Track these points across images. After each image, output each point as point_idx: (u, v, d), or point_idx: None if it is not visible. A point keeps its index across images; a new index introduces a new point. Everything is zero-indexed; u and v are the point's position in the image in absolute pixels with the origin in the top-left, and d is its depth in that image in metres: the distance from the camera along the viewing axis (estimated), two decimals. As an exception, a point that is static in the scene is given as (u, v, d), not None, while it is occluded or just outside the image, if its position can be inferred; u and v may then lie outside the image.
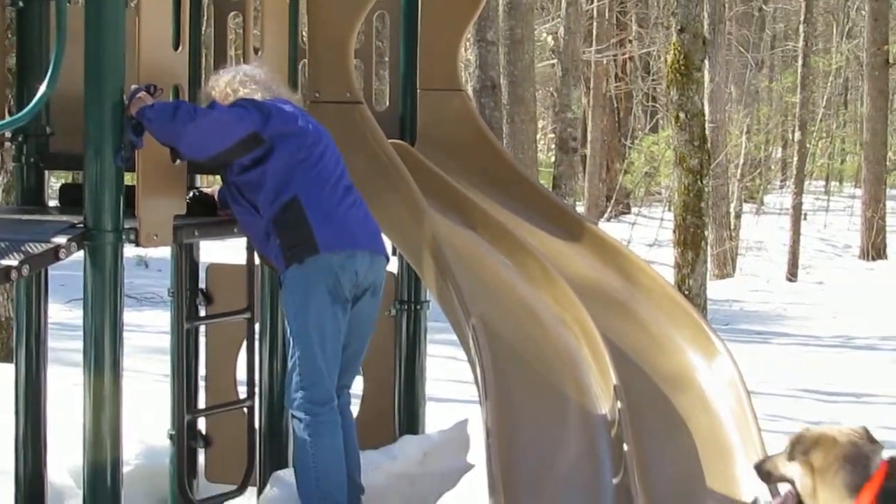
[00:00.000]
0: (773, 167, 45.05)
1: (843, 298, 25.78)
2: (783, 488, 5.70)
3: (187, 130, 7.34)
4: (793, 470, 5.17)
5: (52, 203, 8.58)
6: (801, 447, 5.19)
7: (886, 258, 32.97)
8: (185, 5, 7.63)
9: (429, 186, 8.69)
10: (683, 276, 15.17)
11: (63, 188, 8.46)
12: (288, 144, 7.59)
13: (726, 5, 31.95)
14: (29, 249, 6.99)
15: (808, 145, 34.45)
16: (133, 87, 7.28)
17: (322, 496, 7.57)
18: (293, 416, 7.65)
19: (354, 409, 8.22)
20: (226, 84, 7.72)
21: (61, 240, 7.11)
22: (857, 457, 5.12)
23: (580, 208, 29.54)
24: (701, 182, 15.70)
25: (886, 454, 5.41)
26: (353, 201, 7.80)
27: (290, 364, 7.65)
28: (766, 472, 5.26)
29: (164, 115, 7.29)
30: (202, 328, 8.79)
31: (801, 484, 5.18)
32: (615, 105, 40.27)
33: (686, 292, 13.70)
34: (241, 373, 8.64)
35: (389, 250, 8.13)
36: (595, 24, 35.17)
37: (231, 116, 7.49)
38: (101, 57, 7.23)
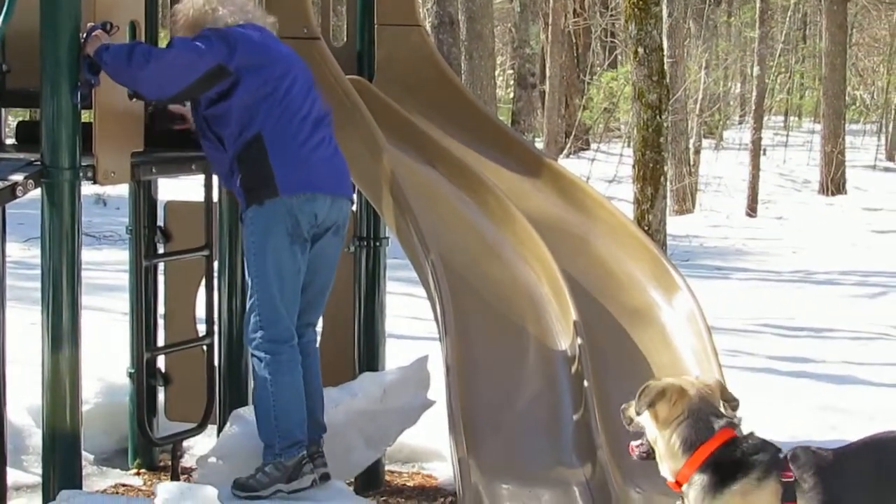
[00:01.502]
0: (731, 102, 45.15)
1: (803, 233, 25.86)
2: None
3: (144, 73, 7.32)
4: (642, 420, 5.15)
5: (9, 141, 8.56)
6: (646, 399, 5.17)
7: (846, 193, 33.08)
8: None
9: (387, 123, 8.69)
10: (643, 212, 15.15)
11: (20, 125, 8.44)
12: (254, 77, 7.52)
13: (684, -62, 31.95)
14: (-15, 187, 6.99)
15: (766, 80, 34.48)
16: (89, 25, 7.25)
17: (282, 434, 7.55)
18: (253, 356, 7.62)
19: (314, 346, 8.23)
20: (203, 2, 7.67)
21: (18, 177, 7.11)
22: (702, 412, 5.08)
23: (539, 144, 29.52)
24: (660, 117, 15.68)
25: (741, 415, 5.40)
26: (322, 139, 7.73)
27: (248, 304, 7.63)
28: (628, 419, 5.24)
29: (119, 58, 7.27)
30: (161, 266, 8.80)
31: (649, 435, 5.18)
32: (574, 41, 40.20)
33: (646, 228, 13.68)
34: (201, 310, 8.63)
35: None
36: (553, -42, 35.16)
37: (191, 53, 7.43)
38: (55, -8, 7.22)
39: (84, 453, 7.75)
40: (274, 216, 7.53)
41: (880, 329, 14.34)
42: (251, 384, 8.45)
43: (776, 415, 9.61)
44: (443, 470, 8.57)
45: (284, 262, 7.57)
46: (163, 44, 8.54)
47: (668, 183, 17.14)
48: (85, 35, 7.26)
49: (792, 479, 4.93)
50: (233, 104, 7.48)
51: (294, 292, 7.60)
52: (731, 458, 4.99)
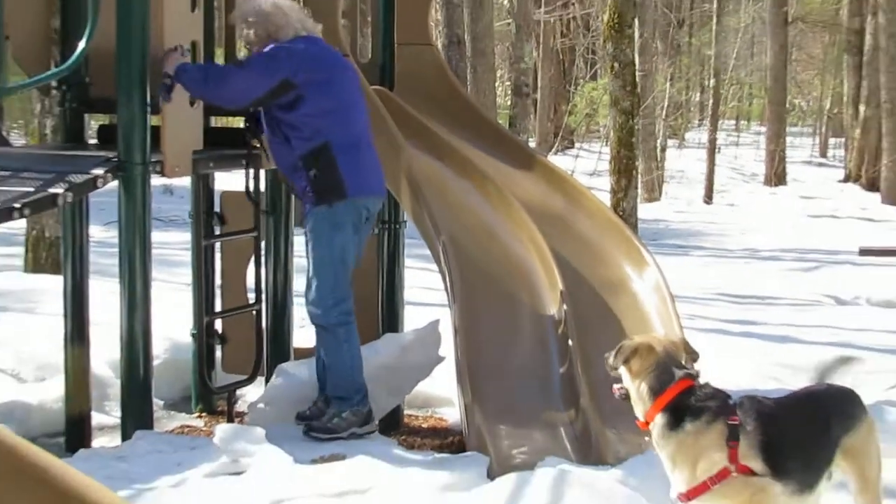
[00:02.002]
0: (692, 109, 45.11)
1: (751, 218, 25.83)
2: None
3: (219, 91, 7.42)
4: (620, 372, 5.17)
5: (92, 141, 8.56)
6: (621, 356, 5.18)
7: (786, 184, 33.02)
8: (200, -26, 7.60)
9: (405, 125, 8.69)
10: (618, 200, 15.17)
11: (101, 128, 8.43)
12: (319, 93, 7.50)
13: (653, -27, 31.87)
14: (72, 180, 6.98)
15: (721, 90, 34.42)
16: (166, 48, 7.26)
17: (358, 388, 7.68)
18: (331, 329, 7.64)
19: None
20: (268, 17, 7.62)
21: (99, 171, 7.11)
22: (665, 365, 5.09)
23: (532, 143, 29.47)
24: (632, 121, 15.69)
25: (699, 368, 5.40)
26: (368, 144, 7.80)
27: (313, 287, 7.64)
28: (609, 367, 5.25)
29: (197, 78, 7.36)
30: (217, 245, 8.78)
31: (626, 383, 5.19)
32: (561, 57, 40.18)
33: (620, 213, 13.69)
34: (251, 281, 8.64)
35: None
36: (544, -11, 35.08)
37: (259, 72, 7.43)
38: (129, 18, 7.20)
39: (154, 400, 7.78)
40: (343, 215, 7.60)
41: (814, 297, 14.32)
42: (293, 343, 8.47)
43: (727, 369, 9.58)
44: (452, 414, 8.57)
45: (348, 251, 7.66)
46: (219, 60, 8.55)
47: (639, 175, 17.13)
48: (164, 58, 7.29)
49: (737, 423, 4.93)
50: (301, 114, 7.48)
51: (350, 273, 7.69)
52: (687, 404, 5.00)
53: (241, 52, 8.54)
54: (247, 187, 8.09)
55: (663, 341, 5.27)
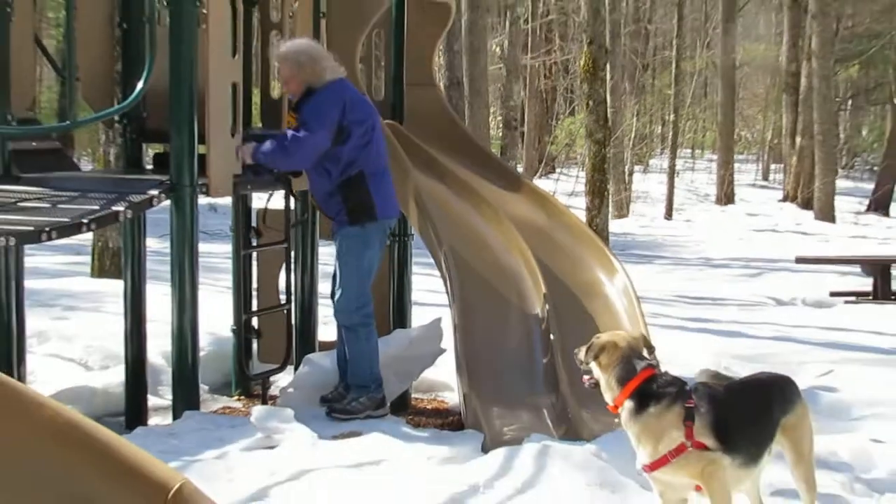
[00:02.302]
0: (654, 139, 45.07)
1: (704, 232, 25.85)
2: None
3: (297, 157, 7.52)
4: (591, 366, 5.16)
5: (149, 166, 8.56)
6: (591, 353, 5.19)
7: (734, 203, 33.00)
8: (239, 26, 7.60)
9: (413, 153, 8.69)
10: (592, 216, 15.17)
11: (156, 156, 8.43)
12: (358, 131, 7.54)
13: (622, 24, 31.85)
14: (132, 199, 6.99)
15: (679, 124, 34.42)
16: (236, 146, 7.48)
17: (374, 378, 7.71)
18: (354, 328, 7.68)
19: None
20: (308, 63, 7.55)
21: (154, 192, 7.11)
22: (630, 358, 5.09)
23: (520, 169, 29.46)
24: (604, 150, 15.71)
25: (658, 360, 5.40)
26: (388, 171, 7.85)
27: (339, 293, 7.66)
28: (579, 360, 5.25)
29: (277, 155, 7.50)
30: (254, 254, 8.78)
31: (596, 375, 5.18)
32: (544, 96, 40.17)
33: (594, 227, 13.69)
34: (282, 285, 8.64)
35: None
36: (529, 38, 35.06)
37: (322, 129, 7.44)
38: (180, 63, 7.20)
39: (200, 385, 7.77)
40: (373, 234, 7.68)
41: (758, 299, 14.32)
42: (318, 337, 8.47)
43: (684, 359, 9.57)
44: (452, 397, 8.56)
45: (374, 264, 7.75)
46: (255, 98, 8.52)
47: (609, 196, 17.13)
48: (239, 150, 7.50)
49: (692, 406, 4.94)
50: (344, 150, 7.49)
51: (371, 282, 7.78)
52: (650, 390, 5.00)
53: (275, 91, 8.52)
54: (262, 214, 8.18)
55: (626, 337, 5.28)
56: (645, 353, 5.18)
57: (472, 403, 7.34)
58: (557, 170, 36.25)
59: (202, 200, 7.59)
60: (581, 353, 5.25)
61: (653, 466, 4.99)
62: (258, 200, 8.67)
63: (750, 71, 42.89)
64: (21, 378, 7.28)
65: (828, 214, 28.08)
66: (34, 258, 14.51)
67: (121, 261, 8.21)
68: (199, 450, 6.44)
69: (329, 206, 7.69)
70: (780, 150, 39.87)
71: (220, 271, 12.28)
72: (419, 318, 9.03)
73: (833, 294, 14.23)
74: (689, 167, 42.22)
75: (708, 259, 20.10)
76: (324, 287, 8.28)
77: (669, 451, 4.94)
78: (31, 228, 6.45)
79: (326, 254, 7.97)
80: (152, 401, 7.96)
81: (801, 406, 5.33)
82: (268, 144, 7.49)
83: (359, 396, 7.62)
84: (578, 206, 17.25)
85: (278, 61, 7.64)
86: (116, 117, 8.14)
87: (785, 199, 33.38)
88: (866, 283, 14.31)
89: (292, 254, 8.50)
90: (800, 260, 15.52)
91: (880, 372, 9.01)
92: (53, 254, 16.38)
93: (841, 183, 33.03)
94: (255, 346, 8.90)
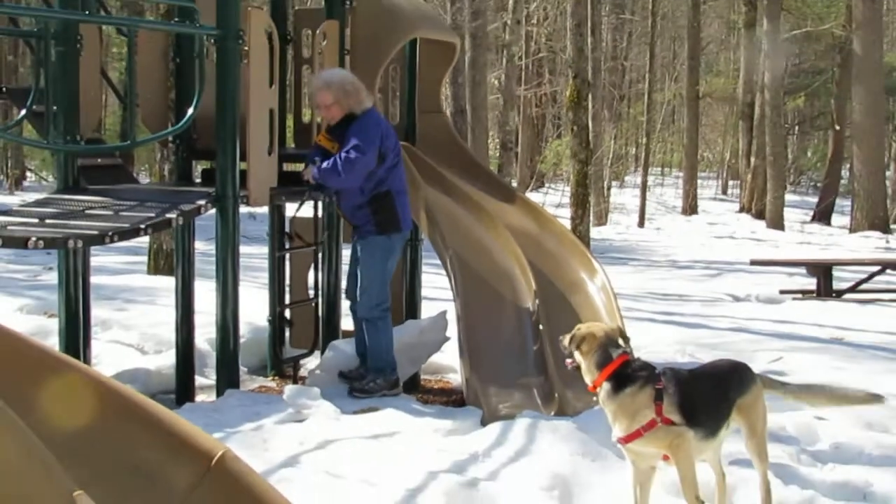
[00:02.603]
0: (629, 159, 45.06)
1: (672, 238, 25.81)
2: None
3: (351, 177, 7.43)
4: (574, 352, 5.14)
5: (197, 180, 8.57)
6: (574, 343, 5.18)
7: (698, 214, 32.96)
8: (275, 61, 7.59)
9: (424, 170, 8.69)
10: (576, 225, 15.17)
11: (204, 171, 8.43)
12: (391, 154, 7.56)
13: (602, 61, 31.85)
14: (183, 207, 6.99)
15: (650, 146, 34.41)
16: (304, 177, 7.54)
17: (390, 363, 7.70)
18: (374, 321, 7.65)
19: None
20: (350, 91, 7.51)
21: (202, 202, 7.12)
22: (607, 346, 5.08)
23: (514, 184, 29.47)
24: (586, 168, 15.71)
25: (633, 348, 5.40)
26: (408, 190, 7.85)
27: (364, 292, 7.62)
28: (563, 347, 5.24)
29: (332, 175, 7.44)
30: (287, 256, 8.78)
31: (577, 360, 5.17)
32: (535, 122, 40.19)
33: (578, 234, 13.69)
34: (311, 282, 8.64)
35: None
36: (523, 73, 35.08)
37: (370, 151, 7.41)
38: (225, 92, 7.21)
39: (241, 367, 7.77)
40: (396, 243, 7.72)
41: (717, 296, 14.31)
42: (341, 326, 8.46)
43: (654, 347, 9.58)
44: (455, 378, 8.56)
45: (393, 265, 7.77)
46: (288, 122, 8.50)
47: (591, 207, 17.11)
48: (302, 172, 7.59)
49: (661, 387, 4.94)
50: (378, 170, 7.49)
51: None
52: (624, 373, 5.00)
53: (307, 116, 8.51)
54: (289, 228, 8.18)
55: (604, 328, 5.27)
56: (621, 342, 5.17)
57: (472, 384, 7.34)
58: (546, 185, 36.24)
59: (243, 209, 7.60)
60: (565, 341, 5.24)
61: (627, 439, 4.99)
62: (291, 209, 8.68)
63: (711, 101, 42.80)
64: (87, 360, 7.29)
65: (778, 224, 28.06)
66: (99, 258, 14.52)
67: (173, 260, 8.22)
68: (239, 423, 6.44)
69: (356, 217, 7.65)
70: (736, 168, 39.81)
71: (258, 270, 12.28)
72: (428, 310, 9.02)
73: (782, 292, 14.21)
74: (659, 183, 42.17)
75: (675, 261, 20.08)
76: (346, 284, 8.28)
77: (642, 426, 4.94)
78: (97, 232, 6.46)
79: (348, 255, 7.96)
80: (199, 381, 7.96)
81: (756, 388, 5.31)
82: (325, 166, 7.45)
83: (376, 378, 7.62)
84: (564, 216, 17.24)
85: (321, 87, 7.51)
86: (170, 138, 8.16)
87: (741, 210, 33.35)
88: (811, 283, 14.29)
89: (320, 255, 8.51)
90: (754, 262, 15.50)
91: (822, 359, 9.00)
92: (115, 254, 16.38)
93: (789, 197, 32.97)
94: (287, 333, 8.90)
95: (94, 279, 8.17)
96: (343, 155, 7.40)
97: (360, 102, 7.53)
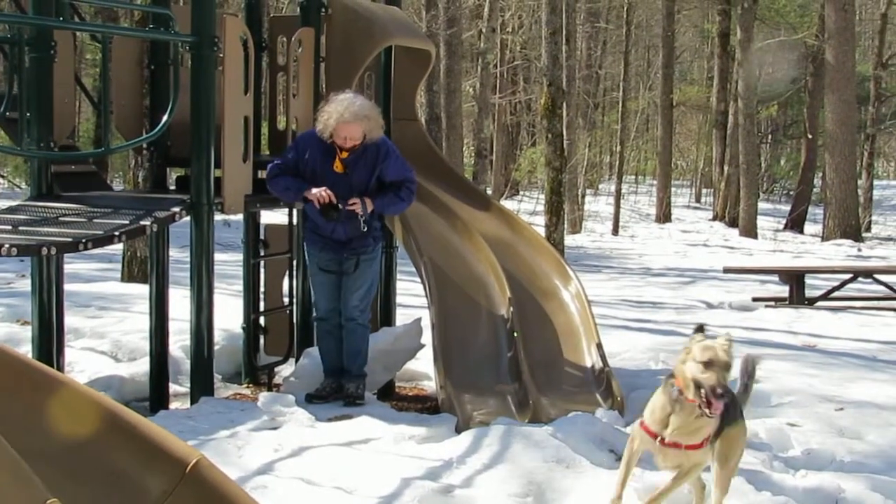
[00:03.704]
0: (604, 167, 45.15)
1: (645, 245, 25.89)
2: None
3: (410, 202, 7.64)
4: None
5: (172, 187, 8.55)
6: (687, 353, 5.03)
7: (671, 221, 33.03)
8: (251, 68, 7.59)
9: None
10: (550, 232, 15.16)
11: (178, 178, 8.42)
12: None
13: (576, 69, 31.93)
14: (157, 215, 6.98)
15: (624, 154, 34.51)
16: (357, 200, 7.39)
17: (366, 364, 7.64)
18: (365, 324, 7.64)
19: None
20: (379, 127, 7.48)
21: (176, 209, 7.10)
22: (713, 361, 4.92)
23: (489, 191, 29.51)
24: (561, 176, 15.71)
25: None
26: None
27: (363, 298, 7.57)
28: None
29: (399, 206, 7.57)
30: (262, 263, 8.77)
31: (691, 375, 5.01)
32: (510, 130, 40.23)
33: (552, 241, 13.68)
34: (285, 289, 8.64)
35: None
36: (498, 80, 35.12)
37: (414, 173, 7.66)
38: (200, 99, 7.21)
39: (215, 375, 7.76)
40: (381, 253, 7.83)
41: (691, 303, 14.35)
42: (351, 342, 8.43)
43: (629, 353, 9.61)
44: (430, 385, 8.56)
45: None
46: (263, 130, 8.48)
47: (565, 215, 17.13)
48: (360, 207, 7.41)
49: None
50: None
51: None
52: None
53: (281, 124, 8.50)
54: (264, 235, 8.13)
55: (720, 343, 5.08)
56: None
57: (447, 391, 7.35)
58: (521, 192, 36.28)
59: (217, 217, 7.58)
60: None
61: (690, 447, 5.00)
62: (267, 217, 8.68)
63: (685, 109, 42.92)
64: (60, 368, 7.25)
65: (751, 232, 28.18)
66: (72, 265, 14.46)
67: (147, 268, 8.20)
68: (214, 430, 6.42)
69: (368, 230, 7.52)
70: (710, 176, 39.97)
71: (233, 277, 12.25)
72: (402, 318, 9.03)
73: (755, 299, 14.27)
74: (633, 191, 42.31)
75: (649, 269, 20.13)
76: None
77: (704, 439, 5.02)
78: (70, 240, 6.44)
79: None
80: (173, 388, 7.93)
81: (742, 423, 5.33)
82: (386, 200, 7.46)
83: (361, 382, 7.61)
84: (538, 223, 17.28)
85: (360, 120, 7.26)
86: (145, 145, 8.14)
87: (714, 218, 33.47)
88: (783, 291, 14.35)
89: (294, 262, 8.51)
90: (727, 270, 15.56)
91: (795, 366, 9.04)
92: (89, 261, 16.32)
93: (762, 205, 33.17)
94: (262, 341, 8.89)
95: (68, 286, 8.14)
96: (406, 189, 7.48)
97: (379, 133, 7.48)
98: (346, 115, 7.23)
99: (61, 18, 7.23)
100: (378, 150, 7.39)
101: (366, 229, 7.43)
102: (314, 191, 7.27)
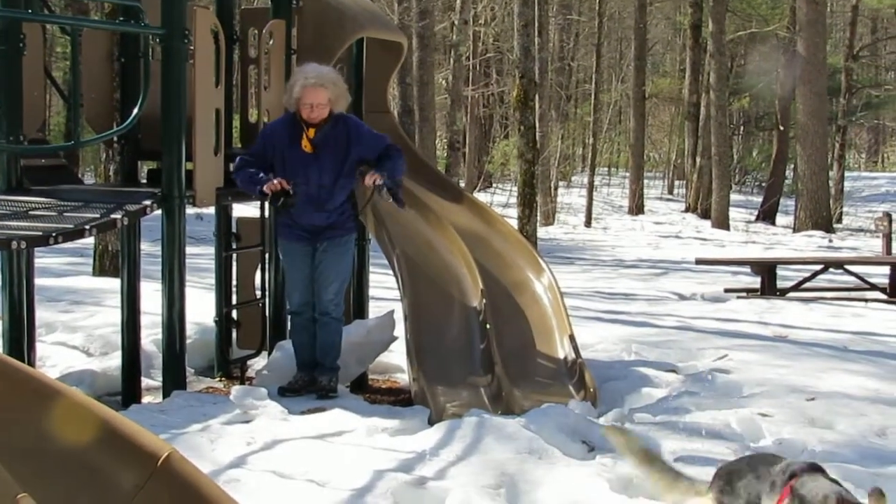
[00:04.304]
0: (576, 159, 45.22)
1: (618, 237, 25.95)
2: None
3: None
4: None
5: (143, 181, 8.53)
6: None
7: (644, 213, 33.11)
8: (222, 61, 7.57)
9: (370, 171, 8.68)
10: (523, 224, 15.18)
11: (149, 171, 8.39)
12: None
13: (549, 61, 31.95)
14: (128, 208, 6.95)
15: (597, 146, 34.54)
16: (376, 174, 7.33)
17: (339, 357, 7.61)
18: (339, 317, 7.59)
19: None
20: (346, 97, 7.56)
21: (148, 202, 7.08)
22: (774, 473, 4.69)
23: (462, 184, 29.50)
24: (533, 168, 15.73)
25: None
26: None
27: (337, 290, 7.52)
28: None
29: (402, 166, 7.55)
30: (234, 256, 8.75)
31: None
32: (483, 122, 40.23)
33: (525, 234, 13.70)
34: (258, 282, 8.63)
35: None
36: (471, 73, 35.10)
37: None
38: (171, 92, 7.18)
39: (187, 368, 7.75)
40: (354, 247, 7.83)
41: (663, 294, 14.39)
42: (288, 327, 8.43)
43: (602, 345, 9.63)
44: (403, 378, 8.57)
45: None
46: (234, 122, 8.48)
47: (538, 207, 17.16)
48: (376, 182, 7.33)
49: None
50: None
51: None
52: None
53: (253, 117, 8.47)
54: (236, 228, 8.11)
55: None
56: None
57: (420, 383, 7.36)
58: (494, 185, 36.32)
59: (189, 210, 7.56)
60: None
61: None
62: (238, 209, 8.66)
63: (658, 101, 43.07)
64: (31, 363, 7.23)
65: (723, 223, 28.28)
66: (43, 259, 14.41)
67: (118, 262, 8.16)
68: (186, 424, 6.41)
69: (334, 215, 7.47)
70: (682, 168, 40.13)
71: (205, 271, 12.22)
72: (375, 310, 9.03)
73: (727, 290, 14.33)
74: (606, 183, 42.35)
75: (621, 260, 20.18)
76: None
77: None
78: (41, 233, 6.41)
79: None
80: (145, 382, 7.92)
81: None
82: (392, 163, 7.43)
83: (334, 375, 7.60)
84: (511, 216, 17.29)
85: (324, 84, 7.28)
86: (115, 138, 8.11)
87: (687, 210, 33.60)
88: (755, 282, 14.42)
89: (266, 255, 8.49)
90: (699, 261, 15.61)
91: (766, 356, 9.09)
92: (60, 256, 16.25)
93: (734, 196, 33.25)
94: (234, 334, 8.87)
95: (39, 281, 8.11)
96: (395, 150, 7.51)
97: (345, 105, 7.52)
98: (310, 78, 7.27)
99: (30, 11, 7.20)
100: (348, 131, 7.38)
101: (390, 199, 7.41)
102: (266, 185, 7.25)
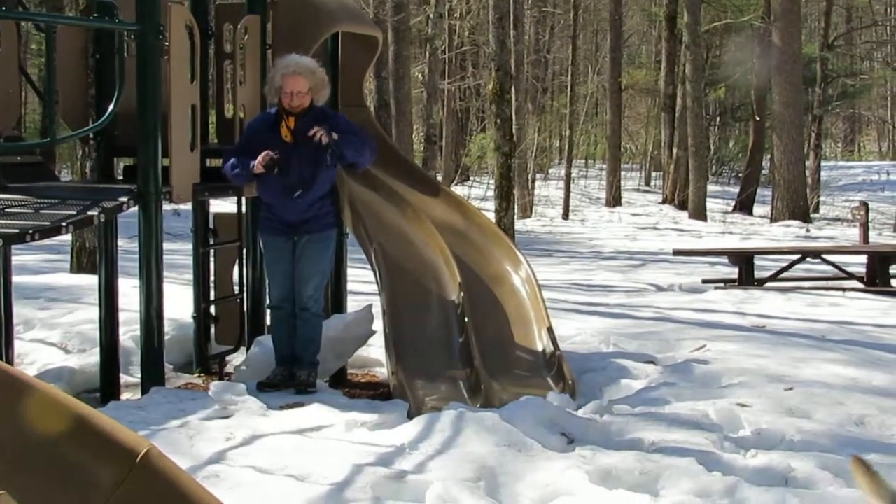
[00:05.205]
0: (553, 151, 45.24)
1: (596, 229, 26.01)
2: None
3: (366, 159, 7.65)
4: None
5: (119, 177, 8.51)
6: None
7: (621, 205, 33.17)
8: (197, 57, 7.56)
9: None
10: (500, 217, 15.20)
11: (126, 168, 8.37)
12: None
13: (525, 54, 31.98)
14: (105, 205, 6.94)
15: (574, 138, 34.58)
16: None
17: (318, 352, 7.61)
18: (319, 313, 7.61)
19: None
20: (327, 87, 7.64)
21: (124, 198, 7.07)
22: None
23: (439, 177, 29.47)
24: (510, 161, 15.75)
25: None
26: None
27: (317, 285, 7.54)
28: None
29: (360, 149, 7.47)
30: (212, 251, 8.74)
31: None
32: (459, 115, 40.23)
33: (502, 227, 13.71)
34: (236, 277, 8.62)
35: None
36: (446, 66, 35.08)
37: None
38: (146, 88, 7.17)
39: (166, 364, 7.74)
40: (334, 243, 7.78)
41: (641, 285, 14.43)
42: (266, 322, 8.42)
43: (579, 337, 9.65)
44: (382, 372, 8.57)
45: None
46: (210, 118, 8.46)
47: (515, 199, 17.17)
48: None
49: None
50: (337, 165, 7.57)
51: None
52: None
53: (229, 113, 8.46)
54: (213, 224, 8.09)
55: None
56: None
57: (398, 377, 7.36)
58: (471, 178, 36.32)
59: (166, 206, 7.56)
60: None
61: None
62: (215, 205, 8.65)
63: (634, 93, 43.08)
64: (10, 360, 7.21)
65: (700, 214, 28.37)
66: (20, 257, 14.35)
67: (96, 258, 8.14)
68: (165, 420, 6.41)
69: (313, 209, 7.47)
70: (659, 159, 40.17)
71: (182, 267, 12.18)
72: (353, 305, 9.03)
73: (705, 281, 14.38)
74: (583, 175, 42.41)
75: (599, 252, 20.23)
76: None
77: None
78: (17, 231, 6.40)
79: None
80: (124, 379, 7.90)
81: None
82: (356, 144, 7.43)
83: (313, 370, 7.59)
84: (489, 209, 17.30)
85: (303, 72, 7.35)
86: (91, 135, 8.08)
87: (664, 201, 33.66)
88: (732, 272, 14.47)
89: (244, 251, 8.49)
90: (677, 252, 15.65)
91: (744, 347, 9.12)
92: (37, 253, 16.19)
93: (711, 187, 33.34)
94: (212, 330, 8.86)
95: (16, 278, 8.09)
96: (365, 135, 7.57)
97: (325, 96, 7.55)
98: (290, 66, 7.35)
99: (4, 8, 7.17)
100: (328, 122, 7.40)
101: (332, 163, 7.39)
102: (256, 164, 7.30)
